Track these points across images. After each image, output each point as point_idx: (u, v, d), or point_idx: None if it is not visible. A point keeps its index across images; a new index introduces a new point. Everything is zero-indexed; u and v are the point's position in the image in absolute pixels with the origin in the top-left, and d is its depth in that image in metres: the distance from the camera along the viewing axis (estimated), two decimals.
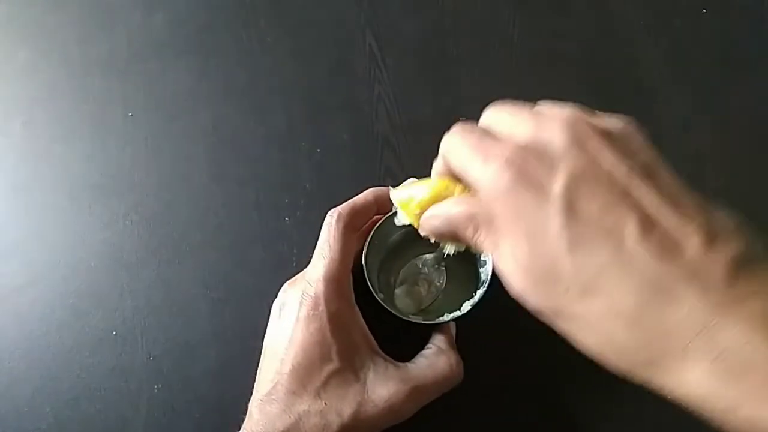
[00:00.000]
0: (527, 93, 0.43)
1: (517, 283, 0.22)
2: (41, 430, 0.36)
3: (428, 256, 0.35)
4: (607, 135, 0.21)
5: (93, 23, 0.46)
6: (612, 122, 0.22)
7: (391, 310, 0.31)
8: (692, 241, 0.19)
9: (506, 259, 0.22)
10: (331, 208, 0.32)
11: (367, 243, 0.32)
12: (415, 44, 0.45)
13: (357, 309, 0.30)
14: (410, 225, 0.28)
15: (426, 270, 0.35)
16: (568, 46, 0.45)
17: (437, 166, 0.26)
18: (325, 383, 0.28)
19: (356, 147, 0.42)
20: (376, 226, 0.32)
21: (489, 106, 0.25)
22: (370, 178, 0.41)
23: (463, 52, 0.45)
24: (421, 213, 0.26)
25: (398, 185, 0.35)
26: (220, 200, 0.41)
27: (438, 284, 0.35)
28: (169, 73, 0.44)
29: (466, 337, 0.34)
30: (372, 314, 0.31)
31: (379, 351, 0.30)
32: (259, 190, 0.41)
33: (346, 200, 0.32)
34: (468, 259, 0.34)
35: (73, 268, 0.39)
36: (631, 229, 0.19)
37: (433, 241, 0.27)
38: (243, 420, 0.29)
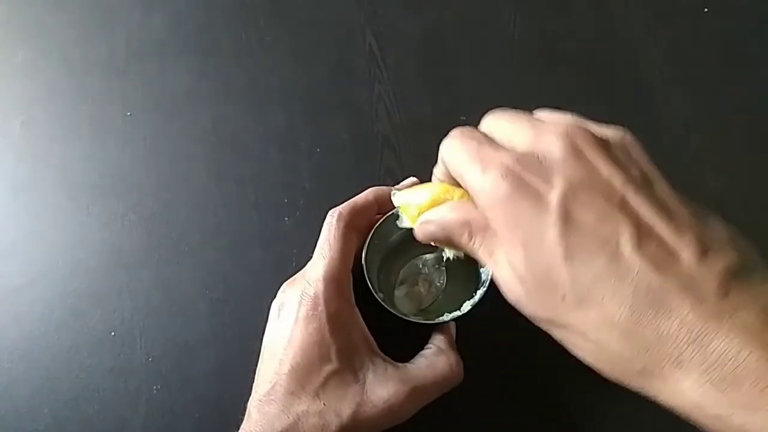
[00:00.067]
0: (527, 93, 0.44)
1: (512, 291, 0.22)
2: (40, 431, 0.36)
3: (428, 256, 0.35)
4: (604, 145, 0.22)
5: (92, 23, 0.46)
6: (610, 132, 0.23)
7: (391, 310, 0.31)
8: (686, 252, 0.19)
9: (502, 266, 0.22)
10: (331, 208, 0.31)
11: (367, 243, 0.32)
12: (415, 44, 0.45)
13: (356, 309, 0.30)
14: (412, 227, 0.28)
15: (426, 270, 0.35)
16: (569, 45, 0.45)
17: (438, 170, 0.26)
18: (324, 384, 0.28)
19: (356, 147, 0.42)
20: (376, 226, 0.32)
21: (488, 113, 0.25)
22: (370, 178, 0.41)
23: (463, 52, 0.45)
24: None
25: (398, 185, 0.35)
26: (219, 200, 0.41)
27: (438, 284, 0.35)
28: (169, 72, 0.44)
29: (466, 337, 0.33)
30: (372, 314, 0.31)
31: (379, 351, 0.30)
32: (259, 190, 0.41)
33: (346, 200, 0.32)
34: (468, 260, 0.34)
35: (71, 268, 0.39)
36: (626, 239, 0.20)
37: (432, 244, 0.27)
38: (242, 420, 0.29)
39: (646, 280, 0.19)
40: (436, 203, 0.26)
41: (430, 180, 0.28)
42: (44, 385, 0.37)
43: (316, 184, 0.41)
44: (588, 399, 0.36)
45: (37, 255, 0.40)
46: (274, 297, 0.33)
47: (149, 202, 0.41)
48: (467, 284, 0.34)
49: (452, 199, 0.26)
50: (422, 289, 0.35)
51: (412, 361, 0.31)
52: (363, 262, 0.32)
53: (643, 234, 0.20)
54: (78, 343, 0.37)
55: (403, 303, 0.35)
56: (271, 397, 0.28)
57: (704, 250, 0.19)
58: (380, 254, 0.35)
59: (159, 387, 0.36)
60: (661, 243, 0.20)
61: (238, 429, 0.28)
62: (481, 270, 0.34)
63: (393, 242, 0.35)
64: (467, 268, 0.35)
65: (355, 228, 0.31)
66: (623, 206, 0.20)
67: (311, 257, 0.31)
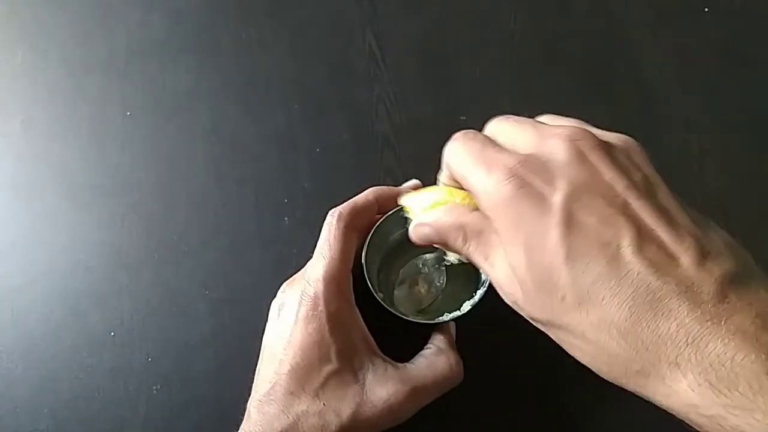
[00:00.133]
0: (527, 93, 0.44)
1: (510, 292, 0.23)
2: (40, 431, 0.36)
3: (428, 256, 0.35)
4: (608, 149, 0.22)
5: (92, 23, 0.46)
6: (613, 137, 0.23)
7: (390, 309, 0.31)
8: (685, 257, 0.20)
9: (498, 269, 0.23)
10: (330, 208, 0.31)
11: (367, 242, 0.32)
12: (415, 44, 0.45)
13: (356, 309, 0.30)
14: None
15: (426, 270, 0.35)
16: (569, 45, 0.45)
17: (442, 175, 0.27)
18: (324, 384, 0.28)
19: (356, 147, 0.42)
20: (376, 226, 0.32)
21: (492, 119, 0.26)
22: (370, 178, 0.41)
23: (463, 52, 0.45)
24: None
25: (401, 186, 0.35)
26: (219, 200, 0.41)
27: (438, 284, 0.35)
28: (168, 72, 0.44)
29: (466, 337, 0.33)
30: (372, 314, 0.31)
31: (378, 351, 0.30)
32: (259, 190, 0.41)
33: (346, 200, 0.32)
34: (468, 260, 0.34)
35: (71, 268, 0.39)
36: (627, 242, 0.20)
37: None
38: (242, 420, 0.29)
39: (646, 282, 0.19)
40: (438, 206, 0.26)
41: (431, 181, 0.28)
42: (44, 385, 0.37)
43: (315, 184, 0.41)
44: (588, 399, 0.36)
45: (37, 255, 0.40)
46: (274, 297, 0.33)
47: (149, 201, 0.41)
48: (467, 284, 0.34)
49: (455, 201, 0.26)
50: (422, 289, 0.35)
51: (411, 361, 0.31)
52: (363, 262, 0.32)
53: (643, 238, 0.20)
54: (78, 343, 0.37)
55: (403, 303, 0.35)
56: (271, 397, 0.28)
57: (703, 256, 0.20)
58: (380, 254, 0.35)
59: (159, 387, 0.36)
60: (661, 247, 0.20)
61: (238, 429, 0.28)
62: (481, 270, 0.34)
63: (393, 242, 0.35)
64: (467, 268, 0.35)
65: (355, 228, 0.31)
66: (625, 210, 0.21)
67: (311, 257, 0.31)
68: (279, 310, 0.31)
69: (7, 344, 0.38)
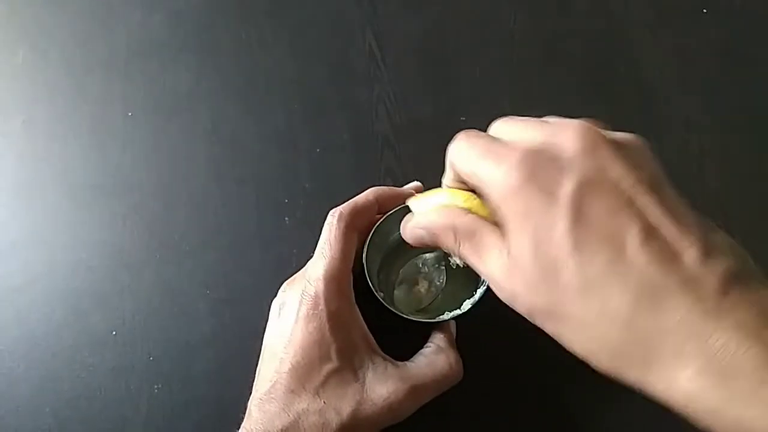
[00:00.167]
0: (527, 93, 0.44)
1: (509, 287, 0.23)
2: (41, 431, 0.36)
3: (428, 255, 0.35)
4: (616, 146, 0.22)
5: (92, 23, 0.46)
6: (621, 135, 0.23)
7: (391, 308, 0.31)
8: (690, 252, 0.20)
9: (494, 266, 0.23)
10: (331, 208, 0.32)
11: (367, 242, 0.32)
12: (415, 44, 0.45)
13: (356, 308, 0.30)
14: None
15: (426, 269, 0.35)
16: (569, 45, 0.45)
17: (446, 178, 0.27)
18: (324, 382, 0.28)
19: (356, 147, 0.42)
20: (376, 225, 0.32)
21: (494, 120, 0.26)
22: (370, 178, 0.41)
23: (463, 52, 0.45)
24: None
25: (397, 185, 0.35)
26: (219, 200, 0.41)
27: (438, 283, 0.35)
28: (169, 72, 0.44)
29: (466, 336, 0.34)
30: (372, 313, 0.31)
31: (378, 350, 0.30)
32: (259, 190, 0.41)
33: (347, 200, 0.32)
34: None
35: (72, 268, 0.39)
36: (633, 235, 0.20)
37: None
38: (242, 419, 0.29)
39: (650, 275, 0.20)
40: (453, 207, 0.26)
41: (431, 181, 0.29)
42: (45, 384, 0.37)
43: (316, 184, 0.41)
44: (588, 399, 0.36)
45: (38, 254, 0.40)
46: (275, 296, 0.33)
47: (150, 201, 0.41)
48: (467, 283, 0.34)
49: (459, 203, 0.26)
50: (422, 288, 0.35)
51: (411, 359, 0.31)
52: (363, 261, 0.32)
53: (648, 233, 0.20)
54: (79, 342, 0.38)
55: (403, 302, 0.35)
56: (272, 396, 0.28)
57: (706, 253, 0.20)
58: (380, 254, 0.35)
59: (160, 386, 0.36)
60: (665, 243, 0.20)
61: (239, 427, 0.28)
62: None
63: (393, 242, 0.35)
64: (467, 267, 0.35)
65: (355, 228, 0.31)
66: (631, 206, 0.21)
67: (311, 257, 0.31)
68: (279, 309, 0.31)
69: (9, 343, 0.38)
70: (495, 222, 0.24)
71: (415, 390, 0.29)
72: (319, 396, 0.28)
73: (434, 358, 0.31)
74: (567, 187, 0.21)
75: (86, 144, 0.43)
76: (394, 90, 0.43)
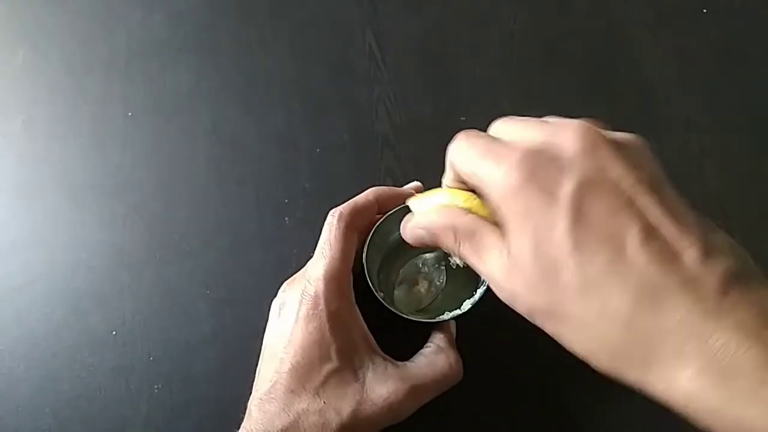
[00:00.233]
0: (527, 93, 0.44)
1: (509, 287, 0.23)
2: (41, 430, 0.36)
3: (428, 255, 0.35)
4: (616, 146, 0.22)
5: (93, 23, 0.46)
6: (621, 135, 0.23)
7: (391, 308, 0.31)
8: (690, 252, 0.20)
9: (494, 266, 0.23)
10: (331, 208, 0.32)
11: (367, 242, 0.32)
12: (415, 44, 0.45)
13: (356, 308, 0.30)
14: None
15: (426, 269, 0.35)
16: (569, 45, 0.45)
17: (446, 178, 0.27)
18: (324, 382, 0.28)
19: (356, 147, 0.42)
20: (376, 225, 0.32)
21: (494, 120, 0.26)
22: (370, 178, 0.41)
23: (463, 52, 0.45)
24: None
25: (397, 185, 0.35)
26: (219, 200, 0.41)
27: (438, 283, 0.35)
28: (169, 72, 0.44)
29: (466, 336, 0.34)
30: (372, 313, 0.31)
31: (378, 350, 0.30)
32: (259, 190, 0.41)
33: (347, 200, 0.32)
34: None
35: (73, 268, 0.39)
36: (633, 235, 0.20)
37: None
38: (242, 419, 0.29)
39: (650, 275, 0.20)
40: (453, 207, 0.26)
41: (431, 181, 0.29)
42: (45, 384, 0.37)
43: (316, 184, 0.41)
44: (588, 399, 0.36)
45: (38, 254, 0.40)
46: (275, 296, 0.33)
47: (150, 201, 0.41)
48: (467, 283, 0.34)
49: (459, 204, 0.26)
50: (422, 288, 0.35)
51: (411, 359, 0.31)
52: (363, 261, 0.32)
53: (648, 233, 0.20)
54: (79, 342, 0.38)
55: (403, 302, 0.35)
56: (272, 396, 0.28)
57: (706, 253, 0.20)
58: (380, 254, 0.35)
59: (160, 386, 0.36)
60: (665, 243, 0.20)
61: (239, 427, 0.28)
62: None
63: (393, 242, 0.35)
64: (467, 267, 0.35)
65: (355, 228, 0.31)
66: (631, 206, 0.21)
67: (312, 257, 0.31)
68: (279, 309, 0.32)
69: (9, 343, 0.38)
70: (495, 222, 0.24)
71: (415, 390, 0.29)
72: (319, 396, 0.28)
73: (434, 358, 0.31)
74: (567, 187, 0.21)
75: (86, 144, 0.43)
76: (394, 90, 0.43)
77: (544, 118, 0.25)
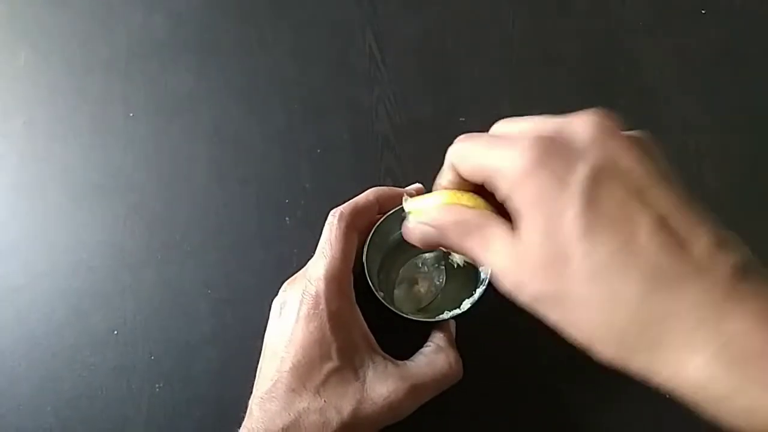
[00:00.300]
0: (527, 93, 0.44)
1: (517, 271, 0.22)
2: (42, 430, 0.36)
3: (428, 255, 0.35)
4: (629, 138, 0.22)
5: (93, 24, 0.46)
6: (632, 131, 0.23)
7: (391, 308, 0.31)
8: (701, 243, 0.20)
9: (503, 254, 0.23)
10: (331, 208, 0.32)
11: (367, 242, 0.32)
12: (415, 44, 0.45)
13: (357, 308, 0.31)
14: None
15: (426, 269, 0.35)
16: (569, 46, 0.45)
17: (443, 178, 0.27)
18: (325, 381, 0.28)
19: (356, 147, 0.42)
20: (376, 226, 0.32)
21: (496, 122, 0.25)
22: (370, 178, 0.41)
23: (463, 52, 0.45)
24: None
25: (397, 185, 0.35)
26: (220, 200, 0.41)
27: (438, 283, 0.35)
28: (170, 73, 0.44)
29: (466, 335, 0.34)
30: (372, 313, 0.31)
31: (379, 349, 0.31)
32: (260, 190, 0.41)
33: (347, 200, 0.32)
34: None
35: (74, 267, 0.39)
36: (644, 224, 0.20)
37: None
38: (243, 418, 0.29)
39: (661, 261, 0.20)
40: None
41: (431, 181, 0.28)
42: (47, 383, 0.37)
43: (316, 185, 0.41)
44: (588, 399, 0.36)
45: (39, 254, 0.40)
46: (276, 296, 0.33)
47: (151, 202, 0.41)
48: (467, 283, 0.34)
49: (459, 203, 0.26)
50: (422, 288, 0.35)
51: (411, 358, 0.31)
52: (364, 261, 0.32)
53: (660, 222, 0.20)
54: (80, 342, 0.38)
55: (403, 301, 0.35)
56: (273, 395, 0.28)
57: (717, 244, 0.20)
58: (380, 253, 0.35)
59: (161, 386, 0.37)
60: (676, 232, 0.20)
61: (240, 426, 0.28)
62: (480, 269, 0.34)
63: (393, 242, 0.35)
64: (467, 266, 0.35)
65: (356, 228, 0.31)
66: (643, 195, 0.21)
67: (312, 257, 0.31)
68: (280, 308, 0.32)
69: (10, 343, 0.38)
70: (500, 215, 0.24)
71: (415, 389, 0.29)
72: (319, 395, 0.28)
73: (434, 357, 0.31)
74: (580, 173, 0.21)
75: (87, 144, 0.43)
76: (394, 90, 0.43)
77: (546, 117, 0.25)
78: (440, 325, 0.33)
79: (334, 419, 0.27)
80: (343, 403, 0.28)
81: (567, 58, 0.45)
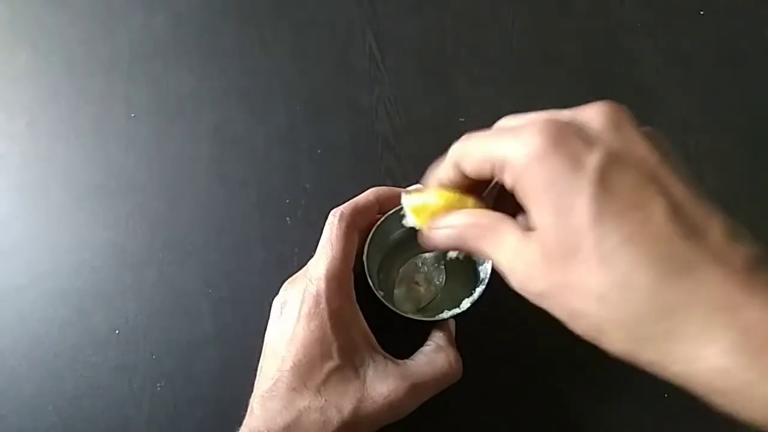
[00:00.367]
0: (527, 93, 0.44)
1: (527, 263, 0.22)
2: (44, 429, 0.36)
3: (428, 255, 0.35)
4: (640, 129, 0.22)
5: (94, 24, 0.46)
6: (641, 125, 0.23)
7: (391, 307, 0.31)
8: (716, 231, 0.20)
9: (514, 249, 0.22)
10: (331, 208, 0.32)
11: (368, 241, 0.32)
12: (415, 44, 0.45)
13: (357, 307, 0.31)
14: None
15: (425, 268, 0.35)
16: (568, 46, 0.45)
17: (443, 176, 0.26)
18: (326, 380, 0.28)
19: (356, 147, 0.42)
20: (377, 225, 0.33)
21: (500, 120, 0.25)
22: (370, 178, 0.41)
23: (463, 52, 0.45)
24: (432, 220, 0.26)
25: (397, 185, 0.35)
26: (222, 200, 0.41)
27: (437, 282, 0.35)
28: (171, 73, 0.45)
29: (466, 335, 0.34)
30: (372, 312, 0.31)
31: (379, 348, 0.31)
32: (261, 191, 0.41)
33: (347, 200, 0.32)
34: (467, 258, 0.35)
35: (76, 267, 0.40)
36: (659, 210, 0.20)
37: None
38: (244, 417, 0.29)
39: (676, 247, 0.19)
40: (448, 208, 0.26)
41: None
42: (48, 383, 0.37)
43: (317, 185, 0.41)
44: (588, 399, 0.36)
45: (42, 254, 0.40)
46: (276, 296, 0.33)
47: (153, 202, 0.41)
48: (466, 282, 0.34)
49: (464, 206, 0.26)
50: (422, 288, 0.35)
51: (411, 357, 0.31)
52: (364, 260, 0.32)
53: (675, 209, 0.20)
54: (82, 341, 0.38)
55: (403, 301, 0.35)
56: (273, 393, 0.28)
57: (731, 234, 0.20)
58: (381, 253, 0.35)
59: (162, 385, 0.37)
60: (691, 221, 0.20)
61: (241, 425, 0.28)
62: (480, 268, 0.34)
63: (393, 241, 0.35)
64: (466, 266, 0.35)
65: (356, 227, 0.31)
66: (658, 182, 0.21)
67: (313, 256, 0.31)
68: (281, 308, 0.32)
69: (12, 343, 0.38)
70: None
71: (415, 388, 0.29)
72: (320, 394, 0.28)
73: (434, 356, 0.31)
74: (594, 157, 0.21)
75: (89, 145, 0.43)
76: (394, 91, 0.44)
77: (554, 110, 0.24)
78: (440, 325, 0.33)
79: (335, 418, 0.28)
80: (343, 402, 0.28)
81: (567, 58, 0.45)
